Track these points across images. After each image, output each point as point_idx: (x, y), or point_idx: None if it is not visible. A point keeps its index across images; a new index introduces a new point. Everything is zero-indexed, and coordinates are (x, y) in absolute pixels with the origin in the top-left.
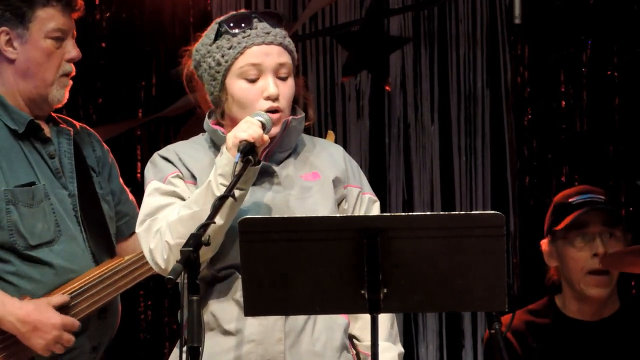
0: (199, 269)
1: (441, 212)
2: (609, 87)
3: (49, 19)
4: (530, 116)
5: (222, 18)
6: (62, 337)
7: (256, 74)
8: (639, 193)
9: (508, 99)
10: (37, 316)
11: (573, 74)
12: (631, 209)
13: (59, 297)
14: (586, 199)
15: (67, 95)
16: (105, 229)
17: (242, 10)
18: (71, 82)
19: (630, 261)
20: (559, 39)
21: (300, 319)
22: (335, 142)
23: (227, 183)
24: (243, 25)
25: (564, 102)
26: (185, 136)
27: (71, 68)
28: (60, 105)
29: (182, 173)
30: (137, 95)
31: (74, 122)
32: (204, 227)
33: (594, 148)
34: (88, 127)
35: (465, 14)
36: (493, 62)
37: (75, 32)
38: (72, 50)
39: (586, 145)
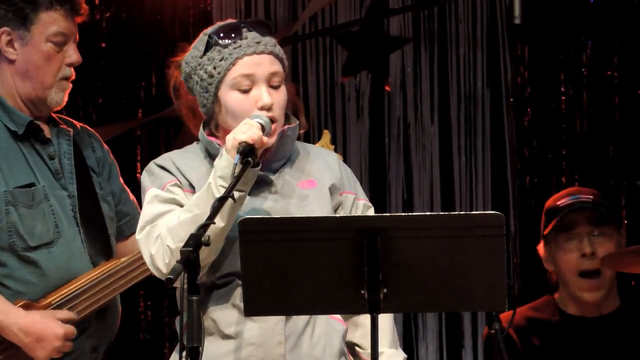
0: (198, 269)
1: (441, 212)
2: (609, 87)
3: (51, 22)
4: (530, 116)
5: (210, 29)
6: (63, 347)
7: (249, 84)
8: (639, 193)
9: (508, 99)
10: (40, 326)
11: (573, 74)
12: (632, 209)
13: (66, 313)
14: (573, 200)
15: (66, 98)
16: (104, 230)
17: (230, 21)
18: (71, 85)
19: (630, 261)
20: (559, 39)
21: (300, 323)
22: (335, 142)
23: (227, 185)
24: (233, 35)
25: (564, 102)
26: (186, 136)
27: (71, 72)
28: (59, 108)
29: (180, 182)
30: (137, 95)
31: (74, 122)
32: (203, 227)
33: (594, 148)
34: (88, 127)
35: (465, 14)
36: (493, 63)
37: (77, 37)
38: (72, 54)
39: (586, 145)
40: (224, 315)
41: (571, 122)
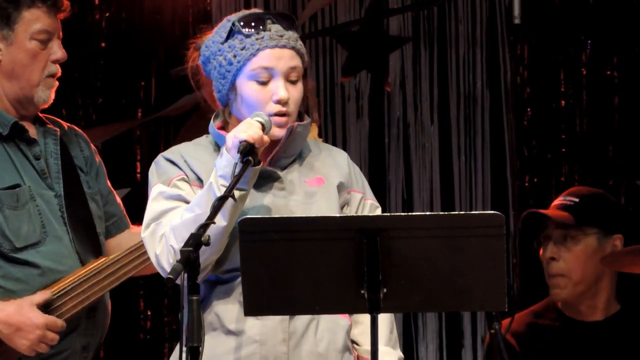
0: (198, 269)
1: (441, 212)
2: (608, 87)
3: (34, 20)
4: (530, 116)
5: (234, 16)
6: (45, 337)
7: (268, 76)
8: (639, 193)
9: (508, 99)
10: (19, 317)
11: (573, 74)
12: (630, 208)
13: (41, 295)
14: (559, 202)
15: (52, 95)
16: (92, 229)
17: (255, 10)
18: (57, 82)
19: (630, 261)
20: (558, 39)
21: (304, 320)
22: (334, 142)
23: (228, 184)
24: (256, 26)
25: (563, 102)
26: (186, 135)
27: (57, 69)
28: (46, 106)
29: (187, 176)
30: (137, 95)
31: (61, 122)
32: (203, 227)
33: (594, 148)
34: (76, 127)
35: (464, 14)
36: (493, 62)
37: (61, 33)
38: (57, 51)
39: (586, 145)
40: (228, 310)
41: (571, 122)
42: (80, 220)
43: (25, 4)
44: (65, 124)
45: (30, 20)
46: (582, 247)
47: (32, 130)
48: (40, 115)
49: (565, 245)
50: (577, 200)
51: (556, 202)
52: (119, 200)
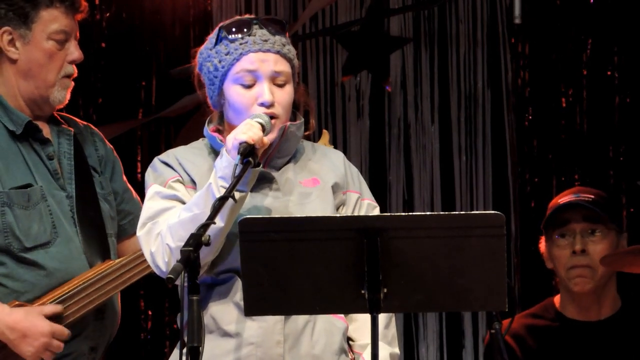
0: (199, 269)
1: (441, 212)
2: (609, 87)
3: (52, 20)
4: (530, 116)
5: (224, 23)
6: (51, 344)
7: (252, 79)
8: (639, 193)
9: (508, 99)
10: (26, 323)
11: (573, 74)
12: (632, 209)
13: (52, 307)
14: (572, 198)
15: (68, 96)
16: (102, 230)
17: (246, 16)
18: (73, 83)
19: (630, 261)
20: (559, 39)
21: (300, 321)
22: (335, 142)
23: (228, 185)
24: (242, 31)
25: (564, 102)
26: (186, 136)
27: (73, 70)
28: (61, 106)
29: (182, 177)
30: (137, 95)
31: (77, 120)
32: (204, 227)
33: (594, 148)
34: (92, 126)
35: (465, 14)
36: (493, 62)
37: (78, 34)
38: (74, 51)
39: (586, 145)
40: (224, 312)
41: (571, 122)
42: (91, 222)
43: (44, 4)
44: (81, 122)
45: (48, 20)
46: (608, 242)
47: (46, 130)
48: (55, 114)
49: (591, 239)
50: (592, 197)
51: (569, 199)
52: (136, 197)
